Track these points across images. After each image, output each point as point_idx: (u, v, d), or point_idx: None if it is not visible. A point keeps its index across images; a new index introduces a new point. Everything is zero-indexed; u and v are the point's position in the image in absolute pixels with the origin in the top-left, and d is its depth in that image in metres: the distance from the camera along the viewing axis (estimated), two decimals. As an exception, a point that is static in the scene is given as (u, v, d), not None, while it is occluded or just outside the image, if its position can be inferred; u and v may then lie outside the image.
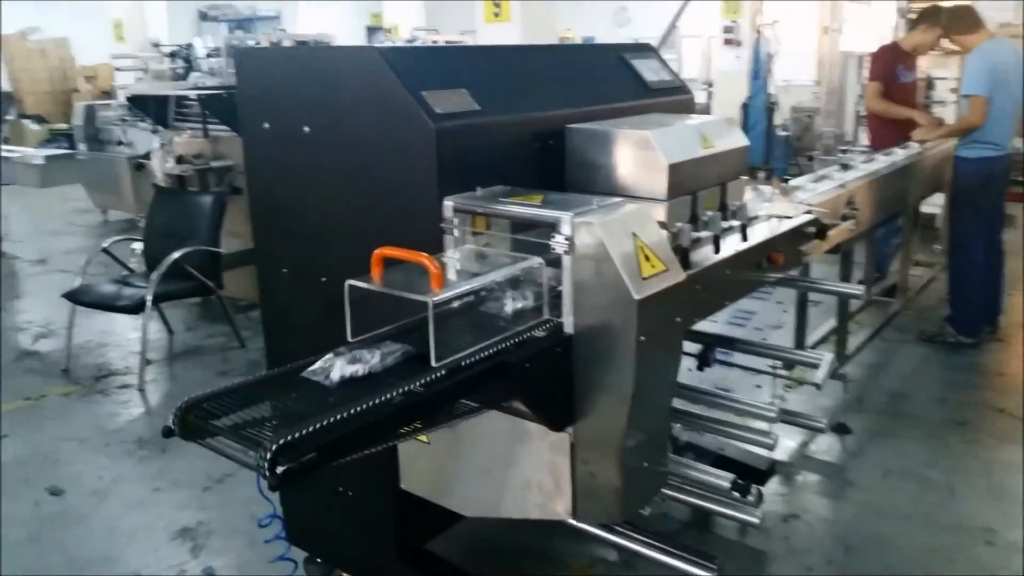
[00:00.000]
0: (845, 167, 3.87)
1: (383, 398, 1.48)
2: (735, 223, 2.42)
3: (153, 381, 4.74)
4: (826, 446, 3.65)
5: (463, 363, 1.61)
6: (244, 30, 13.48)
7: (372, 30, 17.52)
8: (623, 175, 2.15)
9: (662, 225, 2.09)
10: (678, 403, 2.57)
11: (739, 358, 3.08)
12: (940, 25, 5.21)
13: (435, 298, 1.56)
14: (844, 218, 3.46)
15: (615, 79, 2.68)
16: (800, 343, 4.00)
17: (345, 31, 15.83)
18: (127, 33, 12.27)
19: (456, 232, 1.95)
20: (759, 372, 3.03)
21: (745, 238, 2.45)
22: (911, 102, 5.64)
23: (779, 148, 10.86)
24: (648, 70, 2.83)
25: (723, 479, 2.04)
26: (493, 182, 2.10)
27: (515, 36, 7.35)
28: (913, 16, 6.52)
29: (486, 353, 1.65)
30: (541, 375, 1.77)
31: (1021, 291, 5.71)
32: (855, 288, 3.06)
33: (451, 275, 1.79)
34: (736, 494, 2.02)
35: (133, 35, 11.92)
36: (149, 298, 4.48)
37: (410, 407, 1.52)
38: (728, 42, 12.96)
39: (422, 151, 1.95)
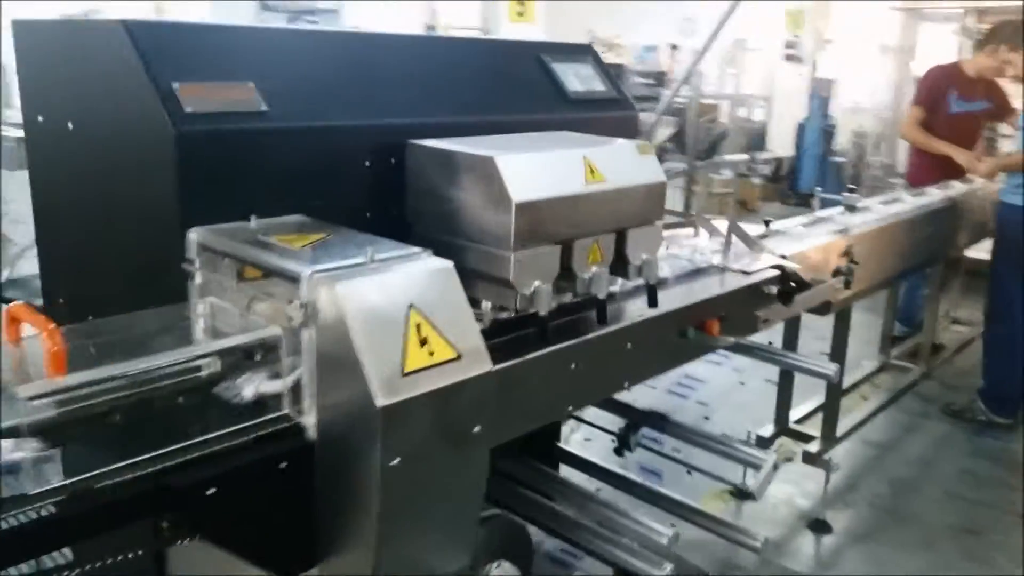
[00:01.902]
0: (851, 208, 3.22)
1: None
2: (639, 282, 1.85)
3: None
4: (794, 547, 3.01)
5: (98, 484, 1.09)
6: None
7: (431, 29, 17.11)
8: (467, 213, 1.60)
9: (504, 284, 1.54)
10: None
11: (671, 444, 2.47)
12: (1003, 42, 4.49)
13: (26, 393, 1.03)
14: (837, 273, 2.84)
15: (518, 85, 2.12)
16: (782, 418, 3.37)
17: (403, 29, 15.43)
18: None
19: (198, 277, 1.42)
20: (687, 468, 2.42)
21: (653, 302, 1.88)
22: (961, 136, 4.84)
23: (833, 175, 10.06)
24: (575, 77, 2.26)
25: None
26: (292, 210, 1.58)
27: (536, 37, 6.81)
28: (980, 37, 5.75)
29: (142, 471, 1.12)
30: (257, 501, 1.23)
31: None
32: (825, 367, 2.43)
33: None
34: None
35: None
36: None
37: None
38: (790, 58, 12.24)
39: (160, 162, 1.43)
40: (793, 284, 2.33)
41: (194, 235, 1.41)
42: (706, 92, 13.20)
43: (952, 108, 4.82)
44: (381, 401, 1.14)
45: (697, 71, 8.77)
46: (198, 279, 1.42)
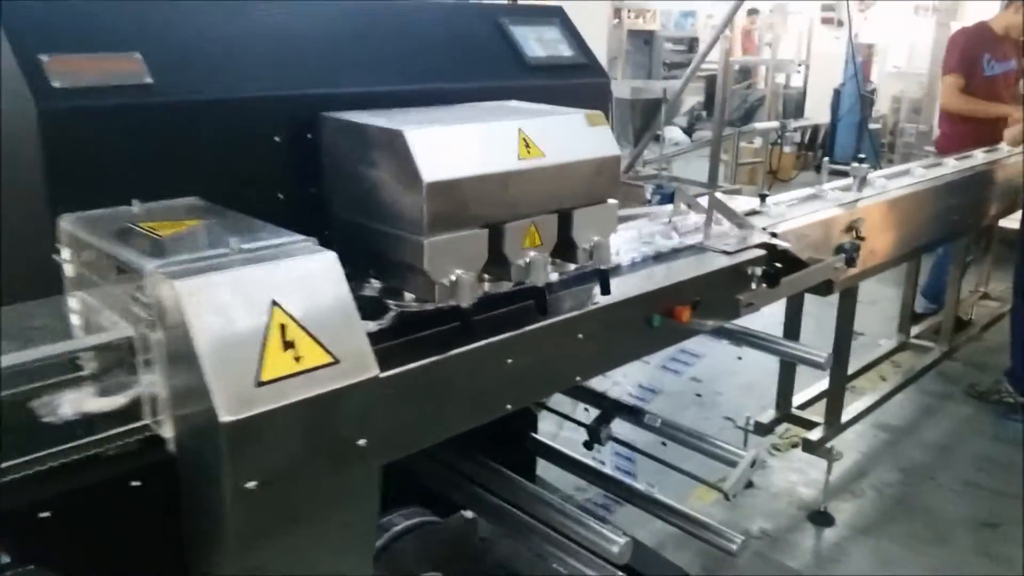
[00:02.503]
0: (863, 181, 2.98)
1: None
2: (589, 266, 1.68)
3: None
4: (792, 542, 2.83)
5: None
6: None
7: None
8: (381, 194, 1.44)
9: (420, 273, 1.38)
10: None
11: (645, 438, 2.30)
12: None
13: None
14: (840, 250, 2.62)
15: (468, 51, 1.94)
16: (784, 402, 3.18)
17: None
18: None
19: (69, 269, 1.29)
20: (666, 465, 2.24)
21: (606, 289, 1.71)
22: (1003, 99, 4.53)
23: (868, 144, 9.66)
24: (536, 42, 2.07)
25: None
26: (193, 193, 1.43)
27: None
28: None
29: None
30: (107, 522, 1.10)
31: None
32: (815, 353, 2.23)
33: None
34: None
35: None
36: None
37: None
38: (827, 20, 11.77)
39: (25, 142, 1.29)
40: (779, 265, 2.14)
41: (64, 222, 1.28)
42: (740, 57, 12.83)
43: (987, 71, 4.52)
44: (225, 416, 1.00)
45: (725, 36, 8.46)
46: (69, 271, 1.28)
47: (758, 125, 9.27)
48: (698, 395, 3.78)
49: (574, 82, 2.09)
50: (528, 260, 1.54)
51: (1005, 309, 4.41)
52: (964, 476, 3.26)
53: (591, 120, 1.67)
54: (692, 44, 11.58)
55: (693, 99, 9.67)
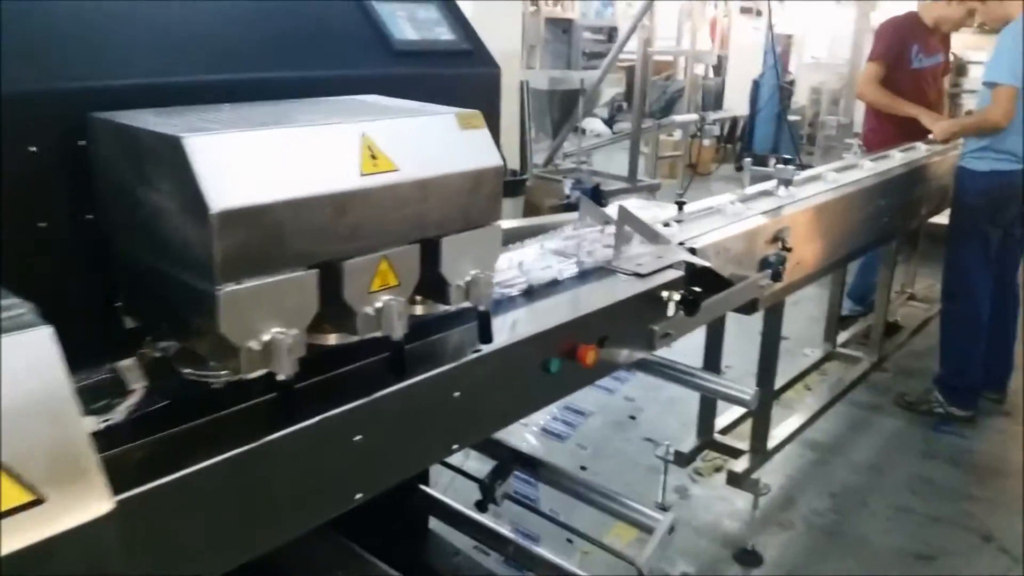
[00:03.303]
0: (786, 184, 2.69)
1: None
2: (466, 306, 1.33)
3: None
4: (718, 587, 2.55)
5: None
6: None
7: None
8: (163, 227, 1.05)
9: (212, 333, 1.00)
10: None
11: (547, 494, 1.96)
12: None
13: None
14: (766, 264, 2.33)
15: (316, 31, 1.55)
16: (706, 427, 2.89)
17: None
18: None
19: None
20: (569, 530, 1.91)
21: (486, 336, 1.35)
22: (926, 94, 4.34)
23: (787, 137, 9.56)
24: (408, 23, 1.70)
25: None
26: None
27: None
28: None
29: None
30: None
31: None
32: (739, 389, 1.93)
33: None
34: None
35: None
36: None
37: None
38: (745, 11, 11.66)
39: None
40: (697, 289, 1.82)
41: None
42: (659, 48, 12.66)
43: (914, 63, 4.32)
44: None
45: (644, 25, 8.21)
46: None
47: (677, 118, 9.06)
48: (632, 417, 3.49)
49: (455, 71, 1.73)
50: (378, 307, 1.18)
51: (933, 312, 4.24)
52: (897, 500, 3.03)
53: (464, 121, 1.31)
54: (612, 34, 11.36)
55: (613, 90, 9.39)
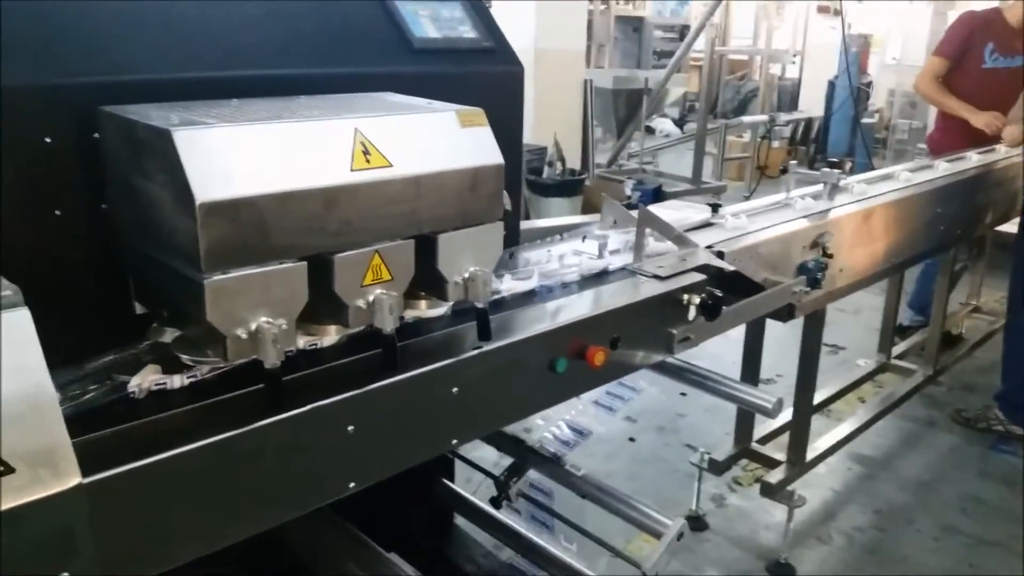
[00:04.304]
0: (834, 187, 2.62)
1: None
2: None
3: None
4: (746, 598, 2.50)
5: None
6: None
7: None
8: (159, 217, 1.09)
9: (202, 322, 1.04)
10: None
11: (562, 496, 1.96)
12: None
13: None
14: (803, 270, 2.28)
15: (337, 29, 1.58)
16: (744, 434, 2.83)
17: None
18: None
19: None
20: (584, 534, 1.89)
21: (484, 334, 1.36)
22: (996, 96, 4.13)
23: (863, 139, 9.27)
24: (429, 20, 1.72)
25: None
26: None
27: None
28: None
29: None
30: None
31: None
32: (762, 398, 1.89)
33: None
34: None
35: None
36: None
37: None
38: (823, 9, 11.37)
39: None
40: (719, 293, 1.79)
41: None
42: (732, 47, 12.44)
43: (987, 63, 4.12)
44: None
45: (713, 24, 8.09)
46: None
47: (746, 119, 8.91)
48: (631, 439, 3.43)
49: (475, 69, 1.74)
50: (371, 300, 1.20)
51: (998, 325, 4.06)
52: (945, 520, 2.92)
53: (465, 119, 1.32)
54: (683, 32, 11.21)
55: (680, 89, 9.26)
